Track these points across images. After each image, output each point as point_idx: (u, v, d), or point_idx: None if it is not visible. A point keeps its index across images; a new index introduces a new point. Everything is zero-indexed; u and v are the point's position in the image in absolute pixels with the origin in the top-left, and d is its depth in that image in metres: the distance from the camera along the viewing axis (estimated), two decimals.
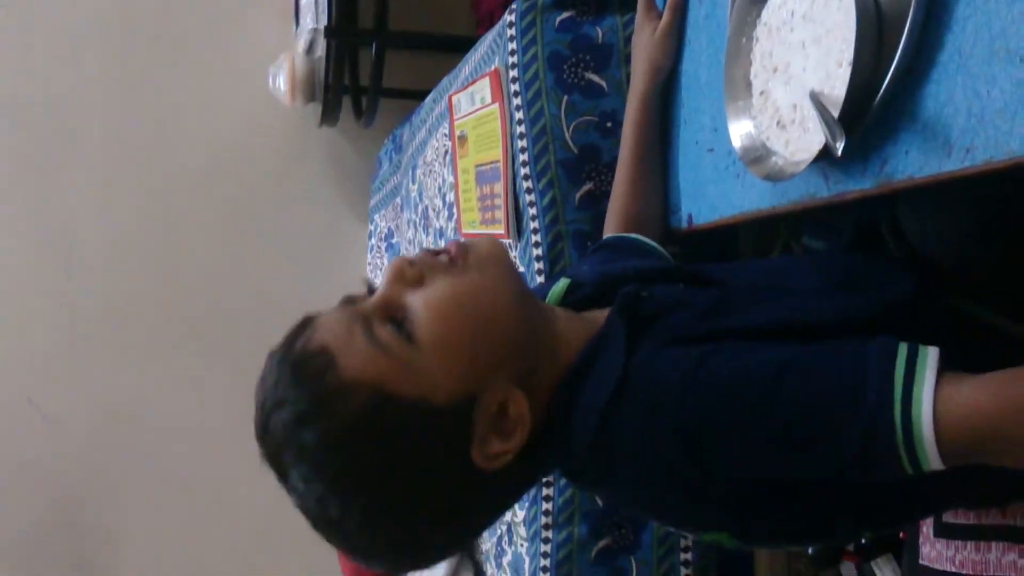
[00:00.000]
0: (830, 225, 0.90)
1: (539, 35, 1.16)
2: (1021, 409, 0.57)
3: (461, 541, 0.72)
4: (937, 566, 0.87)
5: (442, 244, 1.44)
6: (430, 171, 1.70)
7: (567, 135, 1.15)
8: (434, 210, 1.67)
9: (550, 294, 0.79)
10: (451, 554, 0.72)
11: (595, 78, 1.15)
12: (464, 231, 1.45)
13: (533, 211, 1.18)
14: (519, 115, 1.19)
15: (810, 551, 1.23)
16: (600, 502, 1.15)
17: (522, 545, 1.24)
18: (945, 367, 0.59)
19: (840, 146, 0.67)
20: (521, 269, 1.21)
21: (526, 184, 1.19)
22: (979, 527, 0.85)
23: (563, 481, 1.16)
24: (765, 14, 0.81)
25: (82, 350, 2.36)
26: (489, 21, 1.32)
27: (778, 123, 0.78)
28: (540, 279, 1.17)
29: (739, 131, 0.83)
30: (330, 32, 1.93)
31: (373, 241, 2.28)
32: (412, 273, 0.65)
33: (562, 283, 0.79)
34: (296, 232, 2.44)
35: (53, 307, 2.35)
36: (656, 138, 1.04)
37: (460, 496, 0.65)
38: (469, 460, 0.64)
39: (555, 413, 0.68)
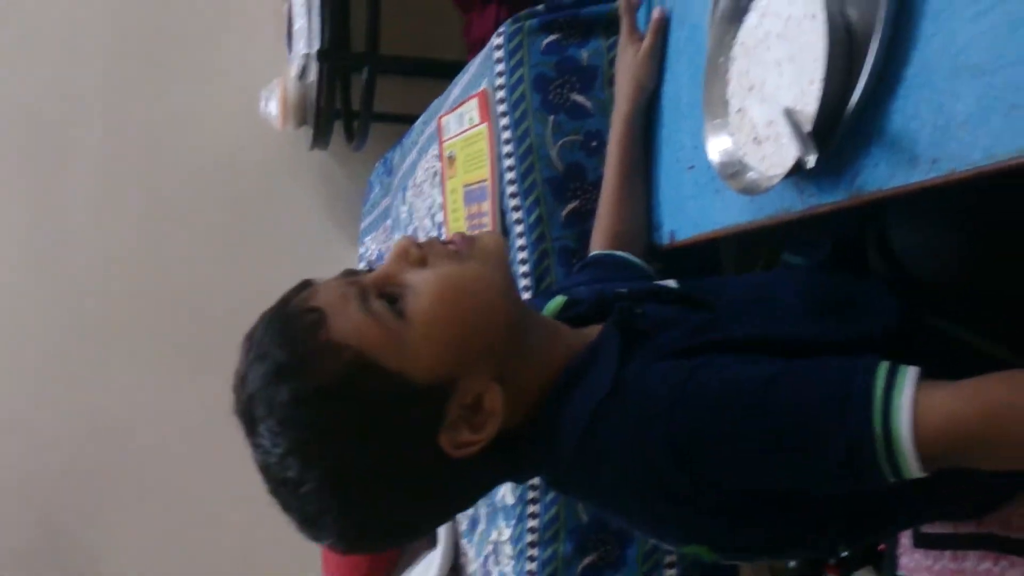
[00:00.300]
0: (808, 241, 0.92)
1: (526, 57, 1.19)
2: (994, 414, 0.59)
3: (413, 528, 0.71)
4: None
5: None
6: (420, 192, 1.72)
7: (553, 154, 1.18)
8: (423, 231, 1.69)
9: (546, 309, 0.80)
10: (398, 542, 0.71)
11: (580, 99, 1.18)
12: None
13: (520, 228, 1.20)
14: (506, 135, 1.22)
15: (791, 564, 1.23)
16: (584, 515, 1.16)
17: (508, 563, 1.24)
18: (923, 378, 0.61)
19: (812, 159, 0.69)
20: None
21: (513, 202, 1.21)
22: (955, 536, 0.86)
23: (549, 497, 1.17)
24: (742, 34, 0.83)
25: (69, 366, 2.36)
26: (480, 46, 1.34)
27: (754, 139, 0.81)
28: (527, 295, 1.18)
29: (717, 147, 0.85)
30: (322, 56, 1.96)
31: (364, 263, 2.30)
32: (416, 254, 0.67)
33: (558, 300, 0.81)
34: (287, 254, 2.46)
35: (41, 323, 2.35)
36: (640, 157, 1.07)
37: (419, 477, 0.66)
38: (436, 443, 0.64)
39: (543, 416, 0.69)
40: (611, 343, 0.70)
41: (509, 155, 1.21)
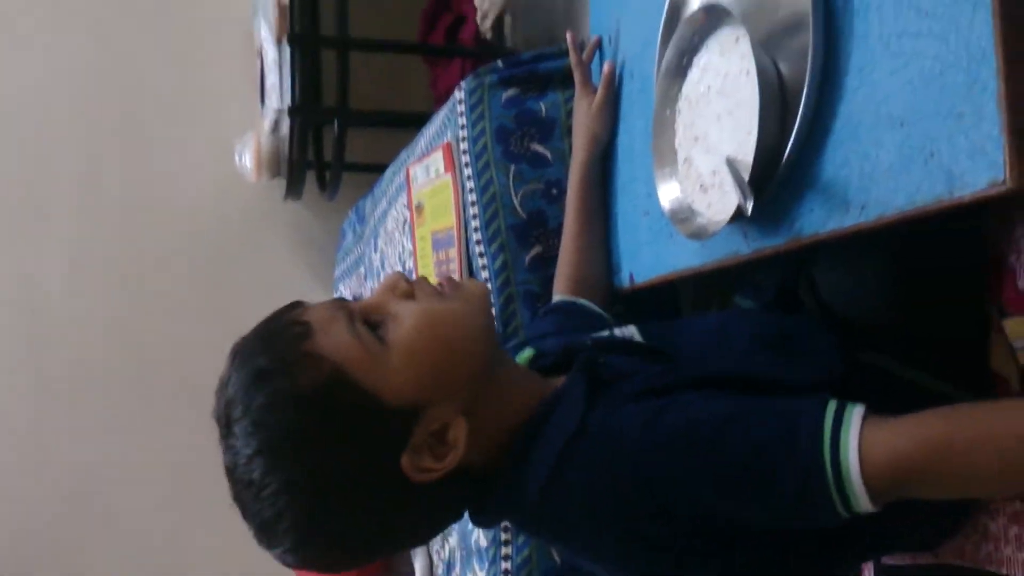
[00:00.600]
0: (756, 284, 0.96)
1: (487, 111, 1.24)
2: (934, 448, 0.63)
3: (365, 547, 0.72)
4: None
5: None
6: (391, 240, 1.75)
7: (516, 202, 1.22)
8: None
9: (516, 360, 0.84)
10: (350, 561, 0.72)
11: (540, 149, 1.23)
12: None
13: (485, 274, 1.24)
14: (470, 184, 1.26)
15: None
16: (557, 557, 1.17)
17: None
18: (869, 414, 0.64)
19: (750, 206, 0.73)
20: None
21: (478, 248, 1.24)
22: (915, 567, 0.89)
23: (521, 540, 1.18)
24: (686, 88, 0.88)
25: (44, 422, 2.35)
26: (446, 98, 1.39)
27: (701, 187, 0.85)
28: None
29: (668, 195, 0.89)
30: (294, 111, 2.00)
31: None
32: (405, 288, 0.72)
33: (528, 352, 0.84)
34: (262, 302, 2.40)
35: (14, 381, 2.35)
36: (598, 204, 1.11)
37: (377, 493, 0.68)
38: (397, 465, 0.67)
39: (511, 457, 0.71)
40: (577, 387, 0.73)
41: (474, 203, 1.25)
